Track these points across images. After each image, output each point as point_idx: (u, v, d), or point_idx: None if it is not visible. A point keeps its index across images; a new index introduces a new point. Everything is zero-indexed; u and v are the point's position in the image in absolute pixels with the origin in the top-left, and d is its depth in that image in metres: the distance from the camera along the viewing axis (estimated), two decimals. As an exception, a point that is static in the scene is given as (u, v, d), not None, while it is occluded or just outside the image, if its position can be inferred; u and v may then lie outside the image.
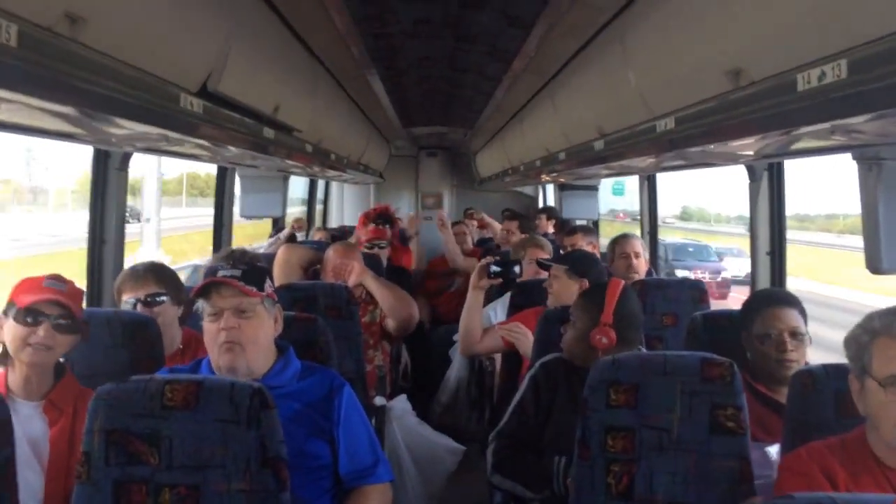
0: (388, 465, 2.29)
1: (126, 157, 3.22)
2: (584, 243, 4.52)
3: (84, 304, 2.91)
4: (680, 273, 15.46)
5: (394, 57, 3.65)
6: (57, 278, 2.12)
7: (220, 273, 2.10)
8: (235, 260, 2.26)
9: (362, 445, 2.20)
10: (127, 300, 2.63)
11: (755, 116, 1.74)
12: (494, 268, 3.35)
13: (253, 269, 2.17)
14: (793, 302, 2.51)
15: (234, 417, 1.73)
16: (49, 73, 1.31)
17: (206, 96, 2.09)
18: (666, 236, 18.47)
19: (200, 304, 2.13)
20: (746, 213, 3.79)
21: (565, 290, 3.17)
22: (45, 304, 2.04)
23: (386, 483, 2.24)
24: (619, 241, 4.02)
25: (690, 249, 19.17)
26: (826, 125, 1.49)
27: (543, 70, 3.72)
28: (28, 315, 2.04)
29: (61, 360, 2.14)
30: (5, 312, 2.07)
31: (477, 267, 3.40)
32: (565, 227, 5.92)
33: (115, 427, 1.71)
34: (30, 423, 2.03)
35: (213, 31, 2.06)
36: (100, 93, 1.52)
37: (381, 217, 6.30)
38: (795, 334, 2.44)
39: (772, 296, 2.60)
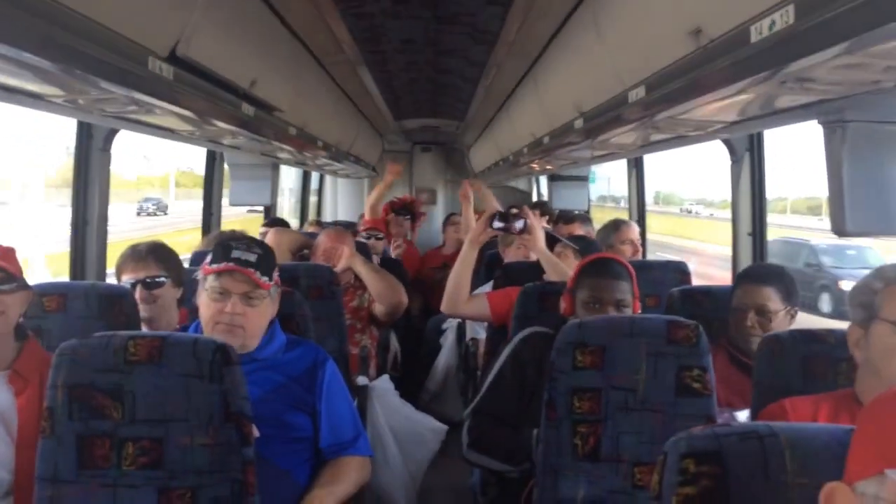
0: (367, 441, 2.31)
1: (109, 137, 3.24)
2: (581, 231, 4.54)
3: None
4: (846, 285, 11.98)
5: (377, 39, 3.67)
6: None
7: (234, 254, 2.09)
8: (252, 240, 2.25)
9: (344, 419, 2.23)
10: (126, 280, 2.62)
11: (715, 73, 1.75)
12: (497, 223, 3.19)
13: (267, 254, 2.18)
14: (767, 279, 2.57)
15: (197, 372, 1.74)
16: (10, 20, 1.32)
17: (175, 62, 2.10)
18: (811, 237, 15.66)
19: (200, 275, 2.14)
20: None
21: (568, 268, 3.17)
22: None
23: (365, 457, 2.26)
24: (622, 226, 4.03)
25: (851, 252, 14.11)
26: (780, 74, 1.50)
27: (526, 53, 3.74)
28: None
29: (21, 321, 2.10)
30: None
31: (481, 219, 3.28)
32: (563, 217, 5.93)
33: (78, 382, 1.73)
34: None
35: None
36: (65, 45, 1.53)
37: (404, 209, 6.35)
38: (762, 311, 2.52)
39: (749, 272, 2.68)
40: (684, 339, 2.07)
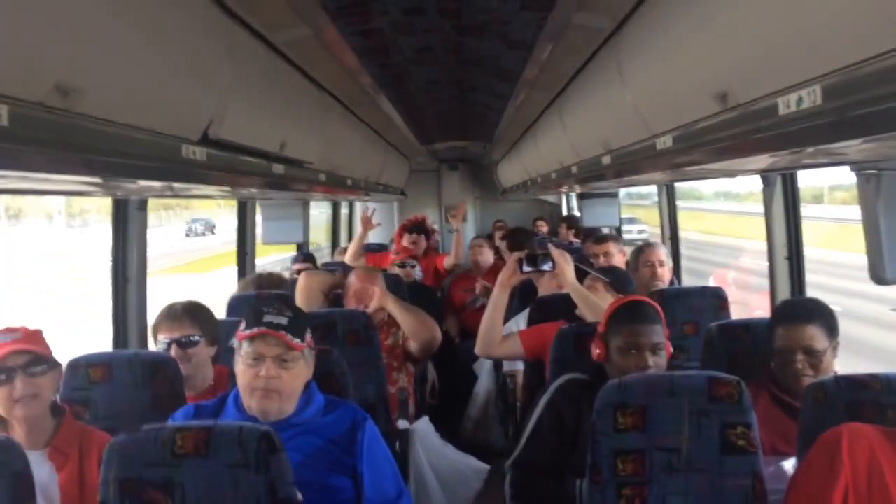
0: (410, 498, 2.32)
1: (145, 199, 3.31)
2: (615, 251, 4.49)
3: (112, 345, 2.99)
4: None
5: (402, 83, 3.70)
6: (7, 331, 2.11)
7: (266, 319, 2.12)
8: (283, 304, 2.28)
9: (386, 479, 2.23)
10: (162, 340, 2.67)
11: (743, 139, 1.75)
12: (526, 266, 3.20)
13: (298, 316, 2.21)
14: (810, 318, 2.45)
15: (243, 462, 1.77)
16: (44, 147, 1.37)
17: (208, 143, 2.14)
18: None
19: (237, 343, 2.17)
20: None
21: (600, 301, 3.15)
22: (7, 357, 2.04)
23: None
24: (644, 249, 4.00)
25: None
26: (809, 149, 1.49)
27: (550, 87, 3.75)
28: None
29: (56, 401, 2.16)
30: None
31: (508, 262, 3.29)
32: (592, 235, 5.89)
33: (128, 476, 1.76)
34: (37, 472, 2.03)
35: (211, 81, 2.11)
36: (98, 159, 1.57)
37: (416, 227, 6.38)
38: (810, 352, 2.40)
39: (791, 311, 2.53)
40: (727, 396, 2.05)
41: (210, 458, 1.77)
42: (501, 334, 3.29)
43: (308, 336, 2.20)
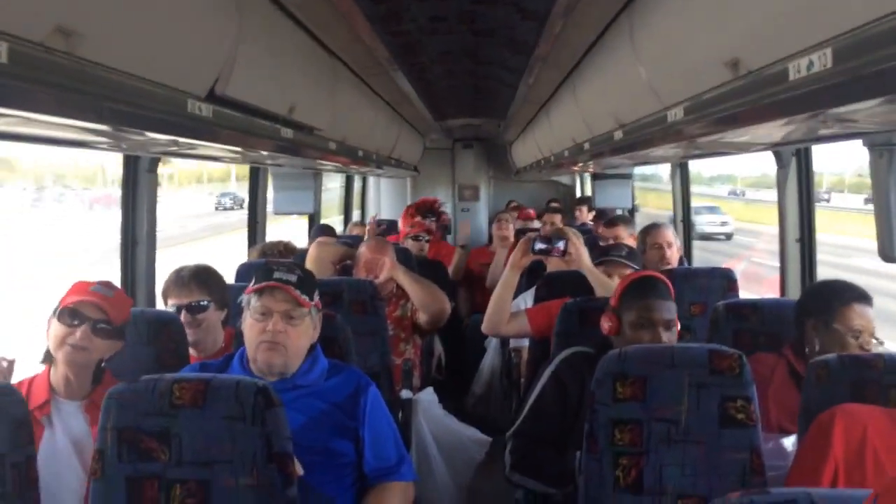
0: (411, 465, 2.33)
1: (156, 160, 3.31)
2: (625, 234, 4.47)
3: None
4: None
5: (415, 53, 3.67)
6: (106, 285, 2.20)
7: (276, 275, 2.15)
8: (293, 264, 2.30)
9: (387, 444, 2.25)
10: (172, 305, 2.70)
11: (754, 106, 1.72)
12: (539, 245, 3.19)
13: (307, 276, 2.23)
14: (871, 302, 2.40)
15: (239, 414, 1.79)
16: (45, 88, 1.36)
17: (214, 100, 2.14)
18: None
19: (246, 299, 2.19)
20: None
21: None
22: (86, 305, 2.12)
23: (409, 482, 2.28)
24: (651, 230, 3.97)
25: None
26: (818, 114, 1.46)
27: (563, 62, 3.71)
28: (69, 315, 2.11)
29: (103, 365, 2.21)
30: (54, 311, 2.16)
31: (520, 243, 3.29)
32: (603, 217, 5.86)
33: (126, 425, 1.78)
34: (72, 422, 2.12)
35: (218, 35, 2.10)
36: (102, 105, 1.57)
37: (427, 211, 6.32)
38: (873, 336, 2.35)
39: (861, 293, 2.42)
40: (727, 368, 2.04)
41: (206, 409, 1.79)
42: (509, 313, 3.29)
43: (316, 297, 2.21)
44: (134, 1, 1.59)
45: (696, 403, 2.03)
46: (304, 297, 2.14)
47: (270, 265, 2.21)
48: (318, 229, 5.34)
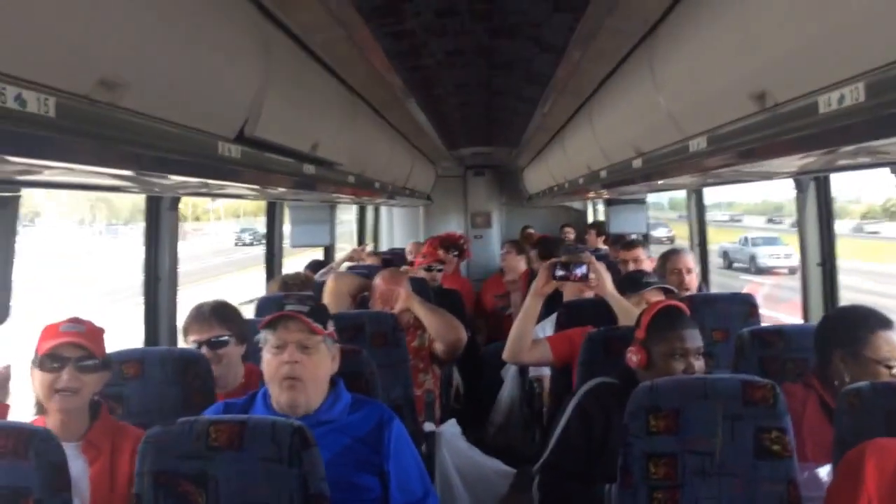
0: (437, 498, 2.31)
1: (176, 199, 3.34)
2: (644, 256, 4.46)
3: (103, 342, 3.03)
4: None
5: (431, 86, 3.71)
6: (74, 321, 2.15)
7: (288, 307, 2.16)
8: (304, 296, 2.32)
9: (412, 478, 2.23)
10: (193, 341, 2.70)
11: (782, 139, 1.73)
12: (559, 271, 3.19)
13: (319, 307, 2.24)
14: (893, 325, 2.33)
15: (276, 456, 1.78)
16: (88, 139, 1.39)
17: (243, 141, 2.16)
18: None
19: (262, 337, 2.20)
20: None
21: None
22: (64, 346, 2.08)
23: None
24: (671, 256, 3.96)
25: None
26: (850, 147, 1.47)
27: (579, 91, 3.74)
28: (49, 360, 2.07)
29: (95, 398, 2.19)
30: (33, 362, 2.11)
31: (541, 269, 3.29)
32: (620, 241, 5.84)
33: (163, 469, 1.78)
34: (70, 464, 2.07)
35: (247, 80, 2.14)
36: (139, 153, 1.60)
37: (451, 245, 6.31)
38: None
39: (884, 318, 2.36)
40: (761, 399, 2.02)
41: (244, 451, 1.79)
42: (530, 342, 3.28)
43: (330, 327, 2.22)
44: (170, 50, 1.62)
45: (730, 435, 2.01)
46: (318, 325, 2.15)
47: (282, 300, 2.24)
48: (311, 265, 5.39)
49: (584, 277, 3.19)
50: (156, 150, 1.65)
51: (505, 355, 3.34)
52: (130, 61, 1.45)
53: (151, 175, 1.77)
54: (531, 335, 3.27)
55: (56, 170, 1.47)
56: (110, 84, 1.41)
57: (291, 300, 2.21)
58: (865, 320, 2.35)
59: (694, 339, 2.39)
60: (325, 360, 2.19)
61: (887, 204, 21.55)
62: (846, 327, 2.37)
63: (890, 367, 2.26)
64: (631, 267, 4.43)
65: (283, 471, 1.78)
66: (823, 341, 2.41)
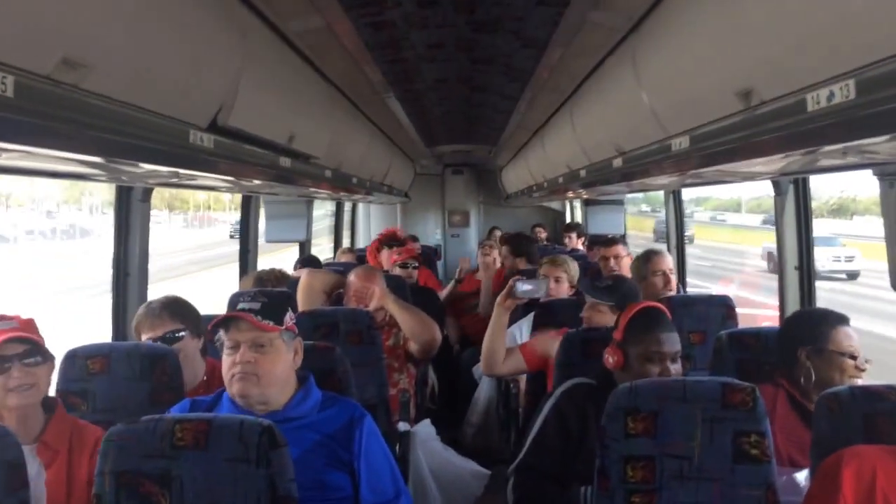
0: (409, 497, 2.27)
1: (148, 190, 3.26)
2: (624, 253, 4.43)
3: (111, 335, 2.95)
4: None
5: (411, 80, 3.66)
6: (2, 319, 2.06)
7: (240, 306, 2.11)
8: (258, 291, 2.26)
9: (384, 477, 2.19)
10: (146, 339, 2.61)
11: (768, 137, 1.70)
12: (522, 287, 3.17)
13: (273, 301, 2.17)
14: (849, 321, 2.42)
15: (243, 456, 1.72)
16: (49, 122, 1.32)
17: (216, 130, 2.10)
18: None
19: (218, 336, 2.14)
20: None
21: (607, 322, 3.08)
22: (4, 345, 2.00)
23: None
24: (653, 257, 3.93)
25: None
26: (838, 146, 1.44)
27: (561, 89, 3.71)
28: None
29: (49, 396, 2.12)
30: None
31: (508, 286, 3.26)
32: (600, 238, 5.82)
33: (125, 468, 1.71)
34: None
35: (221, 66, 2.07)
36: (105, 138, 1.53)
37: (395, 241, 6.22)
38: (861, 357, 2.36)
39: (841, 315, 2.46)
40: (741, 403, 1.99)
41: (210, 451, 1.72)
42: (503, 354, 3.25)
43: (288, 319, 2.15)
44: (140, 32, 1.55)
45: (709, 439, 1.98)
46: (268, 323, 2.09)
47: (237, 298, 2.18)
48: (304, 261, 5.30)
49: (545, 296, 3.32)
50: (123, 136, 1.58)
51: (482, 370, 3.34)
52: (95, 40, 1.38)
53: (119, 162, 1.69)
54: (503, 348, 3.24)
55: (15, 153, 1.39)
56: (73, 64, 1.34)
57: (245, 298, 2.15)
58: (825, 318, 2.44)
59: (671, 342, 2.35)
60: (282, 356, 2.12)
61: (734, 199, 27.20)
62: (808, 326, 2.43)
63: (854, 358, 2.32)
64: (612, 264, 4.41)
65: (250, 471, 1.71)
66: (788, 342, 2.46)
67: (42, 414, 2.08)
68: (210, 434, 1.74)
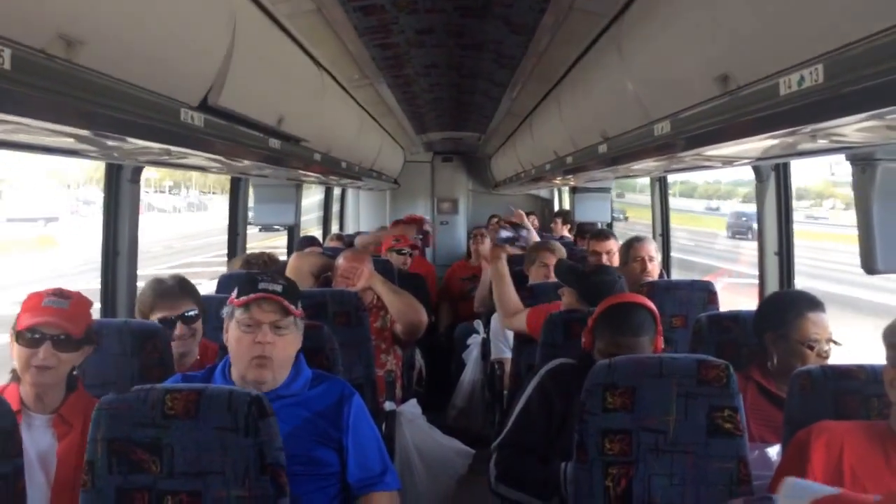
0: (395, 474, 2.32)
1: (138, 170, 3.28)
2: (616, 249, 4.44)
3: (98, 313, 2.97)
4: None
5: (401, 66, 3.70)
6: (58, 294, 2.10)
7: (262, 286, 2.13)
8: (275, 273, 2.29)
9: (371, 454, 2.24)
10: (161, 318, 2.60)
11: (743, 121, 1.75)
12: (505, 233, 3.49)
13: (291, 286, 2.22)
14: (823, 308, 2.46)
15: (232, 425, 1.77)
16: (44, 94, 1.35)
17: (206, 110, 2.13)
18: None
19: (228, 311, 2.17)
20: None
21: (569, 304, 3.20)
22: (43, 323, 2.03)
23: (393, 491, 2.27)
24: (634, 244, 3.99)
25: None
26: (807, 128, 1.50)
27: (548, 76, 3.75)
28: (28, 336, 2.03)
29: (74, 373, 2.15)
30: (12, 332, 2.06)
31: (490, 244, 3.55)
32: (589, 231, 5.86)
33: (116, 436, 1.76)
34: (39, 436, 2.05)
35: (212, 45, 2.10)
36: (98, 112, 1.56)
37: (416, 229, 6.34)
38: (830, 341, 2.42)
39: (812, 300, 2.49)
40: (715, 379, 2.06)
41: (199, 420, 1.78)
42: (514, 303, 3.51)
43: (299, 307, 2.20)
44: (133, 10, 1.59)
45: (684, 413, 2.05)
46: (292, 306, 2.14)
47: (254, 276, 2.20)
48: (302, 241, 5.32)
49: (528, 244, 3.60)
50: (115, 112, 1.61)
51: (501, 323, 3.63)
52: (90, 17, 1.42)
53: (111, 138, 1.73)
54: (513, 296, 3.51)
55: (10, 125, 1.43)
56: (68, 39, 1.38)
57: (265, 279, 2.18)
58: (794, 303, 2.49)
59: (633, 347, 2.38)
60: (295, 340, 2.19)
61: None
62: (776, 311, 2.50)
63: (812, 348, 2.38)
64: (604, 260, 4.37)
65: (238, 440, 1.77)
66: (758, 325, 2.54)
67: (63, 389, 2.11)
68: (200, 404, 1.79)
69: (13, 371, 2.10)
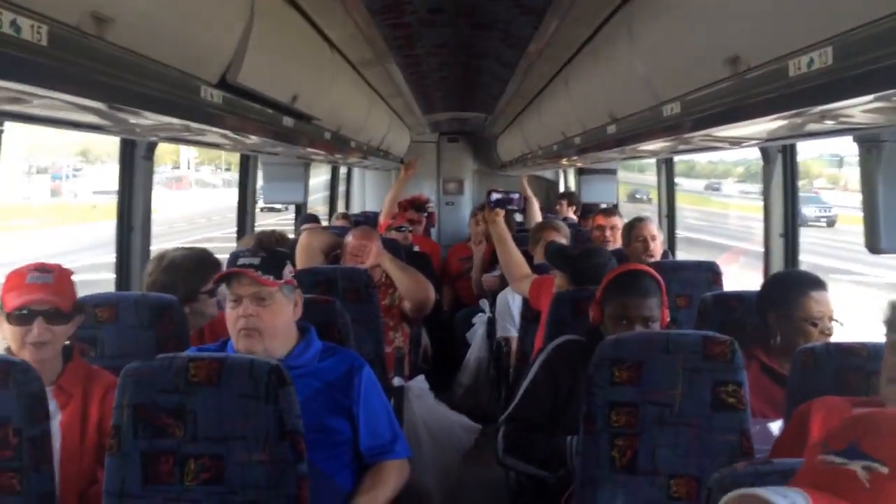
0: (405, 443, 2.38)
1: (151, 146, 3.33)
2: (620, 224, 4.51)
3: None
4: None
5: (411, 45, 3.73)
6: (41, 269, 2.10)
7: (240, 261, 2.20)
8: (257, 246, 2.35)
9: (381, 422, 2.30)
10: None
11: (753, 102, 1.80)
12: (495, 195, 3.59)
13: (272, 256, 2.26)
14: (826, 287, 2.52)
15: (253, 393, 1.84)
16: (77, 69, 1.41)
17: (225, 87, 2.18)
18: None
19: (222, 290, 2.24)
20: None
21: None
22: (32, 302, 2.04)
23: (403, 459, 2.34)
24: (636, 224, 4.05)
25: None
26: (816, 110, 1.54)
27: (557, 57, 3.77)
28: (18, 315, 2.04)
29: (68, 343, 2.18)
30: (1, 312, 2.07)
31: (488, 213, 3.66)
32: (591, 211, 5.91)
33: (142, 402, 1.83)
34: None
35: (231, 24, 2.15)
36: (125, 87, 1.61)
37: (419, 207, 6.43)
38: (832, 319, 2.47)
39: (815, 279, 2.55)
40: (720, 354, 2.11)
41: (222, 387, 1.84)
42: (520, 267, 3.62)
43: (287, 273, 2.24)
44: (159, -12, 1.63)
45: (688, 387, 2.10)
46: (268, 277, 2.17)
47: (237, 253, 2.27)
48: (304, 219, 5.38)
49: (521, 207, 3.76)
50: (140, 87, 1.67)
51: (511, 286, 3.79)
52: (120, -4, 1.47)
53: (134, 113, 1.78)
54: (516, 258, 3.63)
55: (40, 100, 1.48)
56: (100, 17, 1.43)
57: (245, 254, 2.25)
58: (798, 283, 2.54)
59: (641, 307, 2.44)
60: (282, 309, 2.22)
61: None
62: (780, 289, 2.56)
63: (816, 325, 2.43)
64: (607, 234, 4.49)
65: (259, 407, 1.83)
66: (761, 304, 2.59)
67: (60, 360, 2.15)
68: (222, 372, 1.85)
69: (7, 349, 2.10)
